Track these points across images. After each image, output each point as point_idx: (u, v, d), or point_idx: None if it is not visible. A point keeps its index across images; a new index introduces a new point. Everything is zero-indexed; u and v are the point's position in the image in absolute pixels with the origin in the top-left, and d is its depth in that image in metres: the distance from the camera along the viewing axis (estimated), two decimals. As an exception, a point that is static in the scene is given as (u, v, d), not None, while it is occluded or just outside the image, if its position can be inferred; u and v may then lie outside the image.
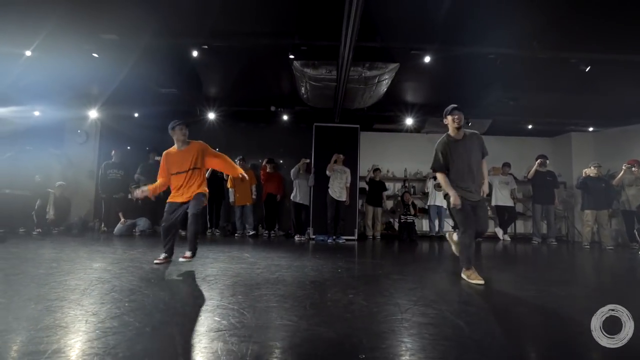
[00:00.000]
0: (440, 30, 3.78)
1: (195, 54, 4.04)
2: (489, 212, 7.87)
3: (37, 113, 6.89)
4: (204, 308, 2.11)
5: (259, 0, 3.49)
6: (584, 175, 6.55)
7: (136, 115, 7.19)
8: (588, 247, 6.18)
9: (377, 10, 3.48)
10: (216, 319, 1.93)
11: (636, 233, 5.64)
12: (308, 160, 6.68)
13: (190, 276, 2.98)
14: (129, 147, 8.08)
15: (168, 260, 3.49)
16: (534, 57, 3.91)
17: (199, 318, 1.93)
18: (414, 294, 2.62)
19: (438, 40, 3.91)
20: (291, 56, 4.07)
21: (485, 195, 3.10)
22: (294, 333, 1.80)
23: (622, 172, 6.23)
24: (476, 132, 3.14)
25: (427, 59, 4.08)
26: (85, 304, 2.13)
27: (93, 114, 7.08)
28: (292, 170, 6.64)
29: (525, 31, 3.78)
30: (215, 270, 3.27)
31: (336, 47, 3.81)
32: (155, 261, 3.41)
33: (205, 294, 2.45)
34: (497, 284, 3.23)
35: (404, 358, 1.54)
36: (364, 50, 4.09)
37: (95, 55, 3.96)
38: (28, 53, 3.97)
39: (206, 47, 3.88)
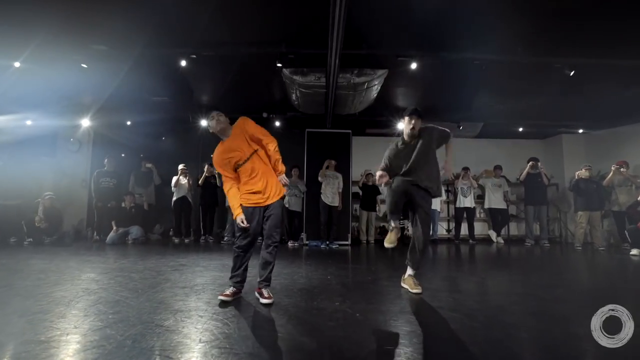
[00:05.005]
0: (426, 37, 3.84)
1: (183, 63, 4.06)
2: (482, 215, 7.92)
3: (29, 122, 6.87)
4: (187, 320, 2.10)
5: (245, 11, 3.52)
6: (576, 177, 6.60)
7: (129, 123, 7.20)
8: (580, 248, 6.22)
9: (362, 18, 3.52)
10: (198, 328, 1.93)
11: (627, 233, 5.68)
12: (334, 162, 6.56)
13: (178, 285, 2.97)
14: (123, 155, 8.09)
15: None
16: (519, 62, 3.97)
17: (182, 330, 1.92)
18: (401, 301, 2.64)
19: (424, 47, 3.96)
20: (279, 65, 4.10)
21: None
22: (275, 343, 1.81)
23: (611, 173, 6.28)
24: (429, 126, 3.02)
25: (413, 66, 4.13)
26: (69, 316, 2.12)
27: (85, 122, 7.08)
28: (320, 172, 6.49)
29: (510, 37, 3.84)
30: (204, 279, 3.26)
31: (323, 55, 3.85)
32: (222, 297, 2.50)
33: (192, 304, 2.44)
34: (492, 288, 3.26)
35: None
36: (351, 58, 4.13)
37: (84, 65, 3.98)
38: (17, 64, 3.98)
39: (194, 56, 3.91)
